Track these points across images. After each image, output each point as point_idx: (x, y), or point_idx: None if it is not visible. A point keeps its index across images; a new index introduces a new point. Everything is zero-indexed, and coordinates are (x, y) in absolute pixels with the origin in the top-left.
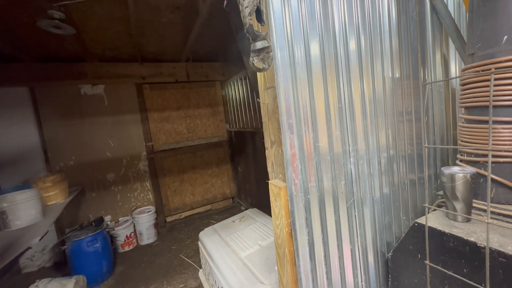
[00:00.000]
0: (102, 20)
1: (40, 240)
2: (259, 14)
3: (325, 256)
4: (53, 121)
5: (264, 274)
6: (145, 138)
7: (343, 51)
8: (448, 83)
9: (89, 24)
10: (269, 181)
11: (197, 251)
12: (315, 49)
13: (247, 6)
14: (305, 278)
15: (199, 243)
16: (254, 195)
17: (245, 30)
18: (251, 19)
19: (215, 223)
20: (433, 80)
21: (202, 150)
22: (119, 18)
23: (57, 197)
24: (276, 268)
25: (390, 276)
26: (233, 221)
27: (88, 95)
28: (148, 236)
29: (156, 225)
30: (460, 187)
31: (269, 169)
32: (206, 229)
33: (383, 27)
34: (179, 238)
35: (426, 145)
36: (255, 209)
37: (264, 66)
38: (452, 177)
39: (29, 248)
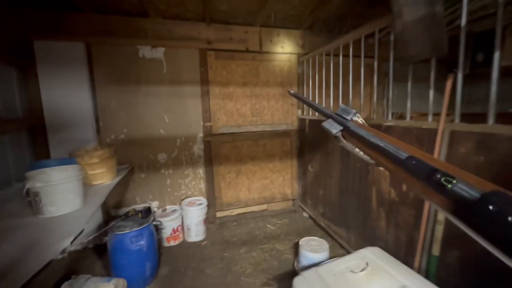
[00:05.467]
0: None
1: (72, 242)
2: None
3: None
4: (107, 86)
5: None
6: (204, 117)
7: None
8: None
9: None
10: None
11: (256, 268)
12: None
13: None
14: None
15: None
16: (332, 206)
17: None
18: None
19: (273, 228)
20: None
21: (265, 139)
22: None
23: (104, 177)
24: None
25: None
26: (352, 271)
27: (147, 58)
28: (196, 233)
29: (205, 221)
30: None
31: None
32: (306, 273)
33: None
34: (232, 243)
35: None
36: (377, 248)
37: None
38: None
39: (51, 260)
